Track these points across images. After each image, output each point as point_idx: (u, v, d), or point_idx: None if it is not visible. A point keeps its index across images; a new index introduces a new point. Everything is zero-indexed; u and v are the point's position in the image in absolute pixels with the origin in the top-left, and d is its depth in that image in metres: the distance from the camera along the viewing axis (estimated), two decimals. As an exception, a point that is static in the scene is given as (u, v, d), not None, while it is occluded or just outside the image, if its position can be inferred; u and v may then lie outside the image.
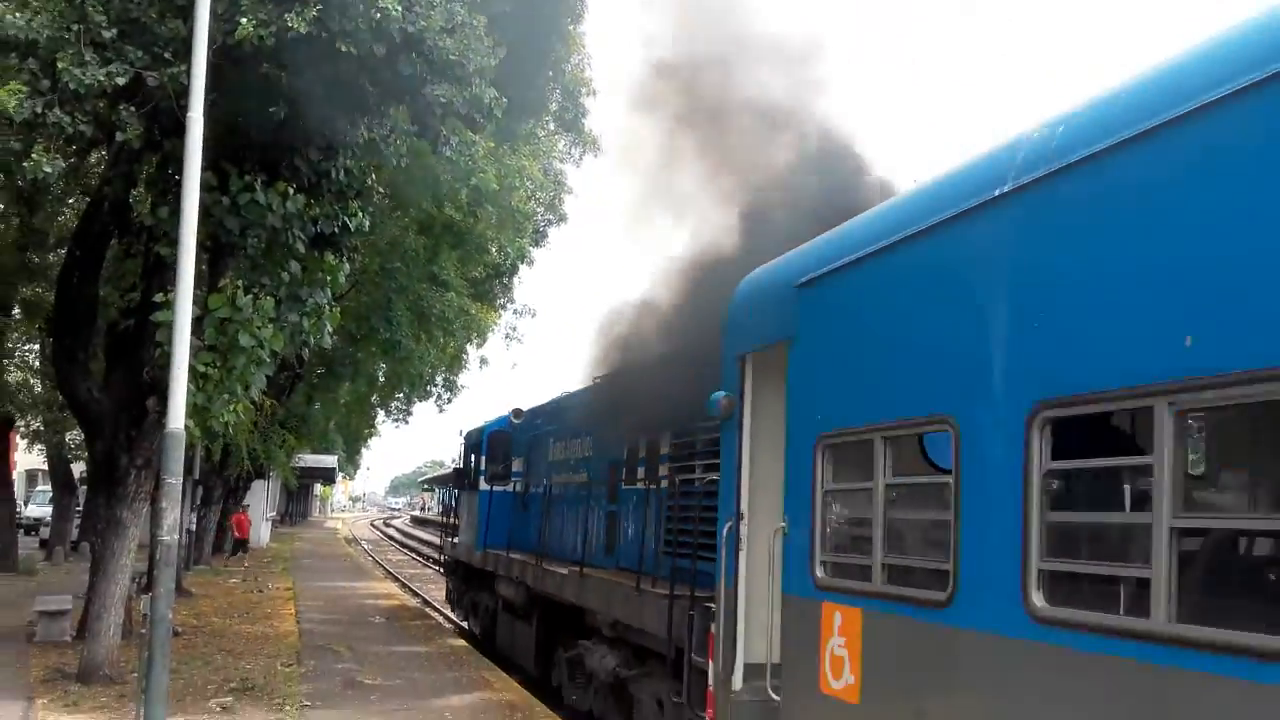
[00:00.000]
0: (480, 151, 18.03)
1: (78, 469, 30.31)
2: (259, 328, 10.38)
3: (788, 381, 6.09)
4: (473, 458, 17.73)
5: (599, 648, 9.89)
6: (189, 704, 10.26)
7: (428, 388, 39.17)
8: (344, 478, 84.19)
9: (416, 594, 25.72)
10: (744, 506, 6.44)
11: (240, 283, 10.51)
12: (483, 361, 36.96)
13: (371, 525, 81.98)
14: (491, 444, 16.82)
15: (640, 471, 10.71)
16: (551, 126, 25.64)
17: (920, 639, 4.75)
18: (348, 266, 11.47)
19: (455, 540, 18.80)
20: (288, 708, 10.22)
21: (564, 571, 10.94)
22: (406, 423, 46.61)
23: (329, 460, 56.30)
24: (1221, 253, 3.36)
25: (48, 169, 8.92)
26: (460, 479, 19.69)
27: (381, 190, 12.44)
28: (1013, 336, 4.31)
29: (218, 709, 10.11)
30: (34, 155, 8.92)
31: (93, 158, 15.20)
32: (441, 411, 38.08)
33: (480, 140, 14.67)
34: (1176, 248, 3.55)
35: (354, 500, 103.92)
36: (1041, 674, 3.96)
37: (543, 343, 51.11)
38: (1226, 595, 3.67)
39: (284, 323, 10.81)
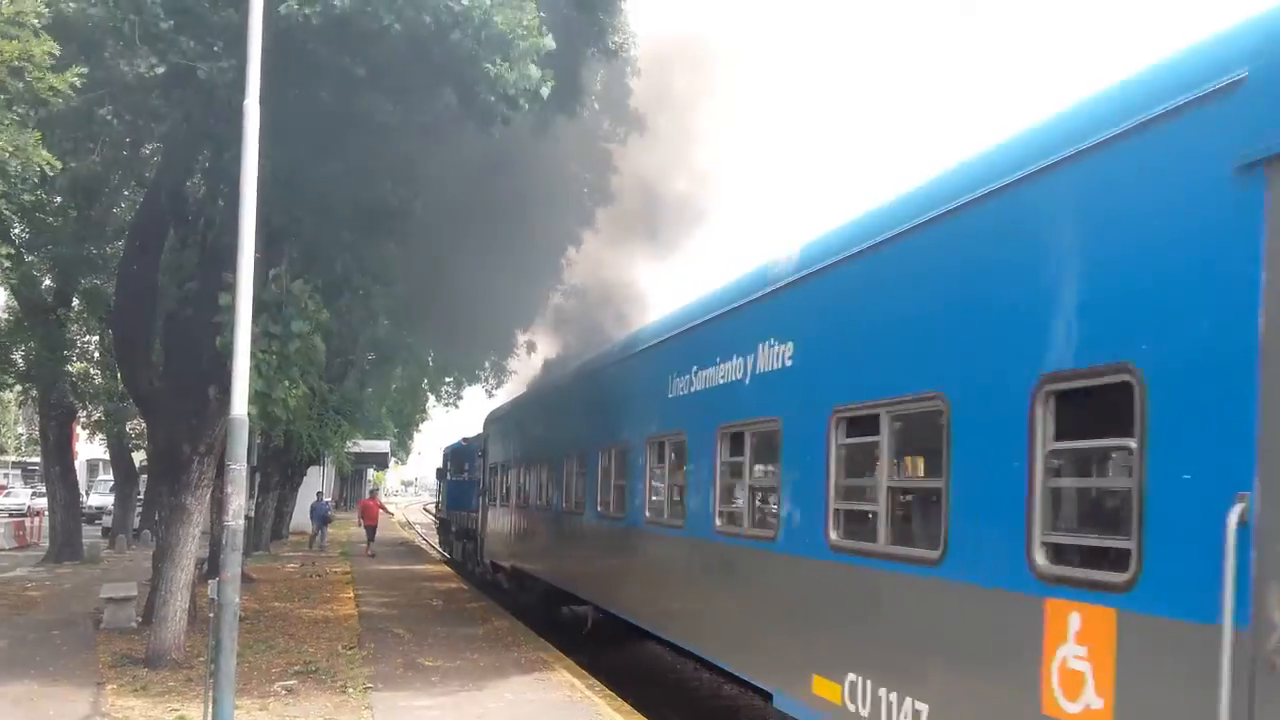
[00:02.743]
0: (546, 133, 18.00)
1: (138, 458, 30.86)
2: (314, 312, 10.45)
3: None
4: (446, 461, 33.87)
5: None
6: (254, 687, 10.39)
7: (476, 372, 39.42)
8: (396, 462, 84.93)
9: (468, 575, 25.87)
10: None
11: (287, 270, 10.56)
12: (530, 346, 37.08)
13: (424, 509, 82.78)
14: (452, 454, 32.76)
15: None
16: (596, 107, 25.54)
17: None
18: (396, 250, 11.45)
19: (439, 506, 36.85)
20: (351, 690, 10.31)
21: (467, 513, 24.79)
22: (457, 407, 46.83)
23: (382, 445, 56.74)
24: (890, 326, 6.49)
25: (94, 161, 8.97)
26: (440, 474, 36.57)
27: (431, 174, 12.37)
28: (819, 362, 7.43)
29: (282, 692, 10.22)
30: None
31: (148, 148, 15.36)
32: (490, 395, 38.15)
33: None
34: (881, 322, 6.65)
35: (406, 484, 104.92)
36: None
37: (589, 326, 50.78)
38: (912, 526, 6.42)
39: (337, 308, 10.86)
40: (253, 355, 9.89)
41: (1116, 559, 4.47)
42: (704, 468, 9.11)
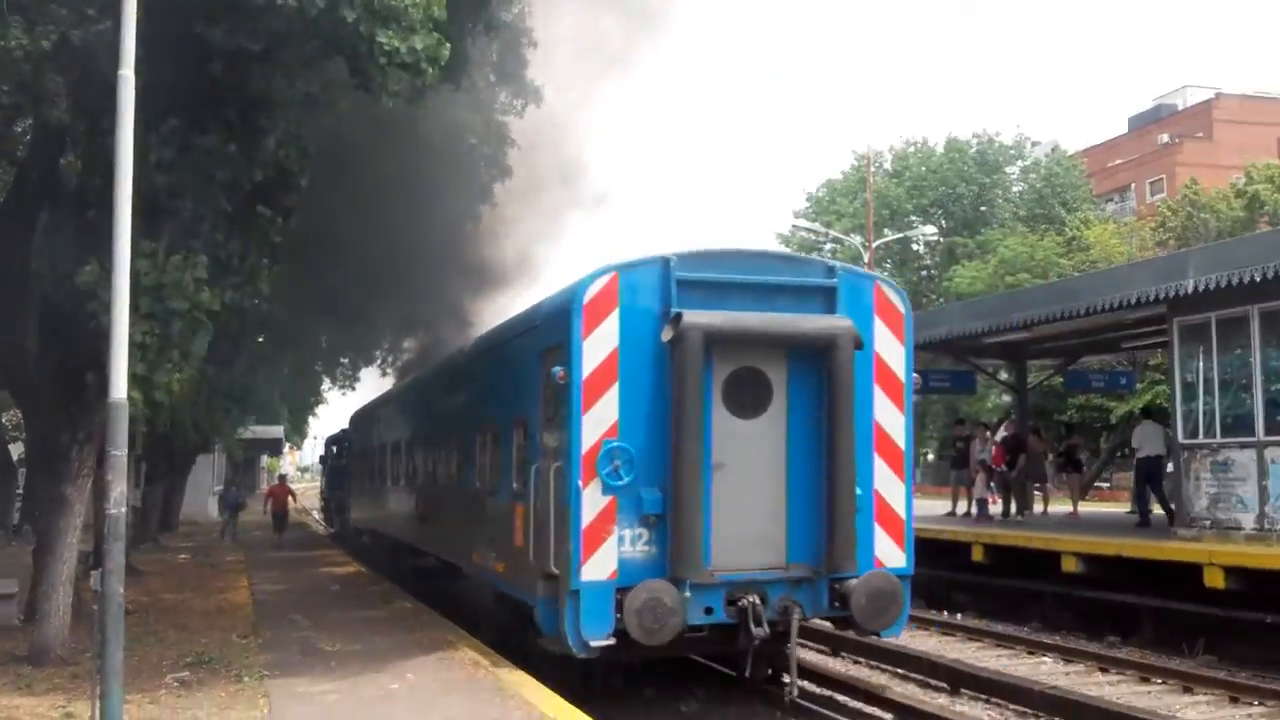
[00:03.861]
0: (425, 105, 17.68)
1: (16, 450, 29.58)
2: (193, 292, 10.08)
3: None
4: (328, 449, 41.07)
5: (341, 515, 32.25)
6: (145, 680, 10.07)
7: (373, 352, 38.73)
8: (291, 448, 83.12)
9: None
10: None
11: (162, 247, 10.16)
12: (427, 326, 36.59)
13: (321, 495, 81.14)
14: (333, 442, 39.25)
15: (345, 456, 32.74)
16: (493, 79, 25.16)
17: None
18: (281, 224, 11.13)
19: (322, 488, 43.93)
20: (247, 679, 10.07)
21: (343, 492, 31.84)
22: (353, 388, 45.97)
23: (275, 431, 55.49)
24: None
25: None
26: (324, 460, 45.08)
27: (317, 147, 12.05)
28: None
29: (175, 684, 9.94)
30: None
31: (19, 126, 14.64)
32: (385, 375, 37.58)
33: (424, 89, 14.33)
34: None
35: (302, 470, 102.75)
36: None
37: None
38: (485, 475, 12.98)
39: (219, 285, 10.51)
40: (133, 338, 9.54)
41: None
42: (459, 453, 14.42)
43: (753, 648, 9.25)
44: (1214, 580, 12.67)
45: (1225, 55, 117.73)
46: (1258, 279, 12.61)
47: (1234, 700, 11.01)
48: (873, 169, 49.60)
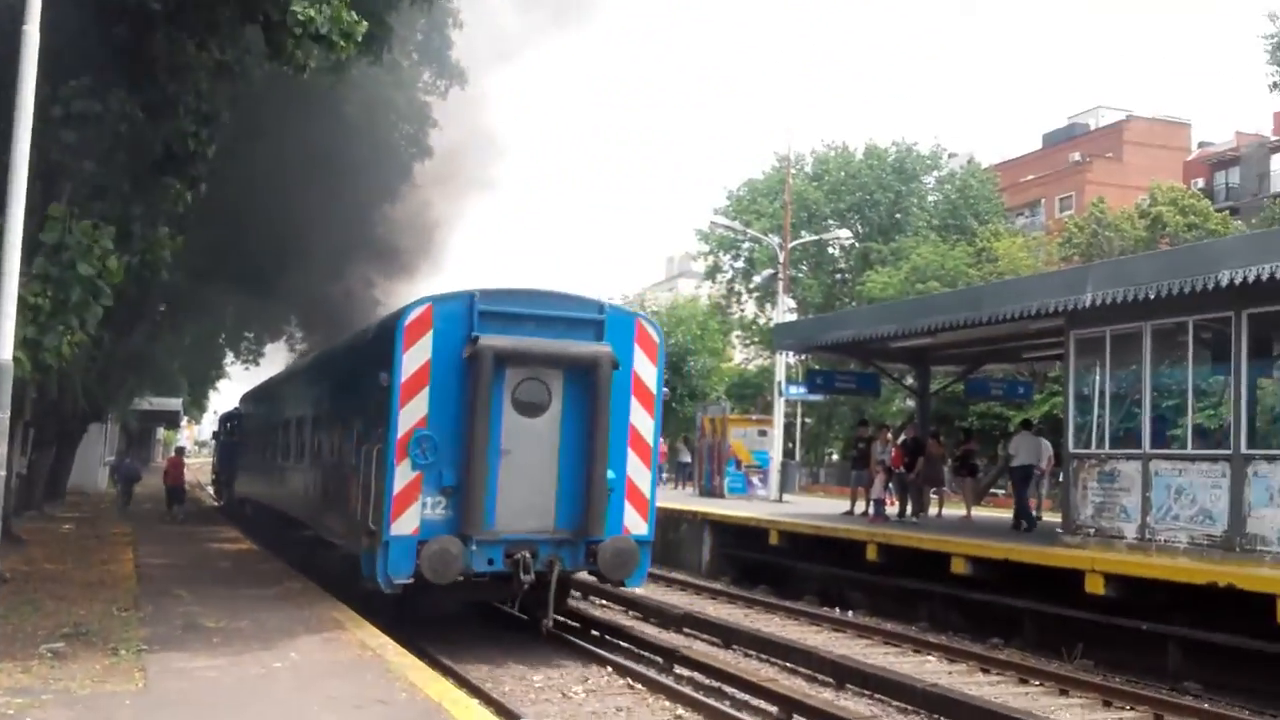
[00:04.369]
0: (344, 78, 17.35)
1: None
2: (98, 257, 9.77)
3: None
4: (221, 425, 41.06)
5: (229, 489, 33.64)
6: (18, 650, 9.75)
7: (281, 327, 37.93)
8: (189, 421, 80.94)
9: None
10: None
11: (75, 208, 9.85)
12: (346, 295, 35.94)
13: (213, 469, 79.14)
14: (225, 419, 39.40)
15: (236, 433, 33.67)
16: (416, 57, 24.76)
17: None
18: (189, 193, 10.83)
19: (214, 463, 44.35)
20: (123, 652, 9.79)
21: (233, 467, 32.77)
22: (257, 364, 44.98)
23: (173, 403, 54.01)
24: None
25: None
26: (216, 435, 45.66)
27: (230, 117, 11.75)
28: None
29: (48, 655, 9.61)
30: None
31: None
32: (293, 350, 36.95)
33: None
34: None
35: (200, 445, 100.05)
36: None
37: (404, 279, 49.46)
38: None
39: (123, 251, 10.20)
40: (24, 300, 9.22)
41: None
42: (319, 436, 17.16)
43: (523, 591, 12.23)
44: (1095, 587, 13.10)
45: (1138, 77, 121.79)
46: (1152, 296, 13.06)
47: (1107, 704, 11.39)
48: (793, 171, 50.14)
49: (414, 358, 12.06)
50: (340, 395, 15.77)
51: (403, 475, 11.84)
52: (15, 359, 8.25)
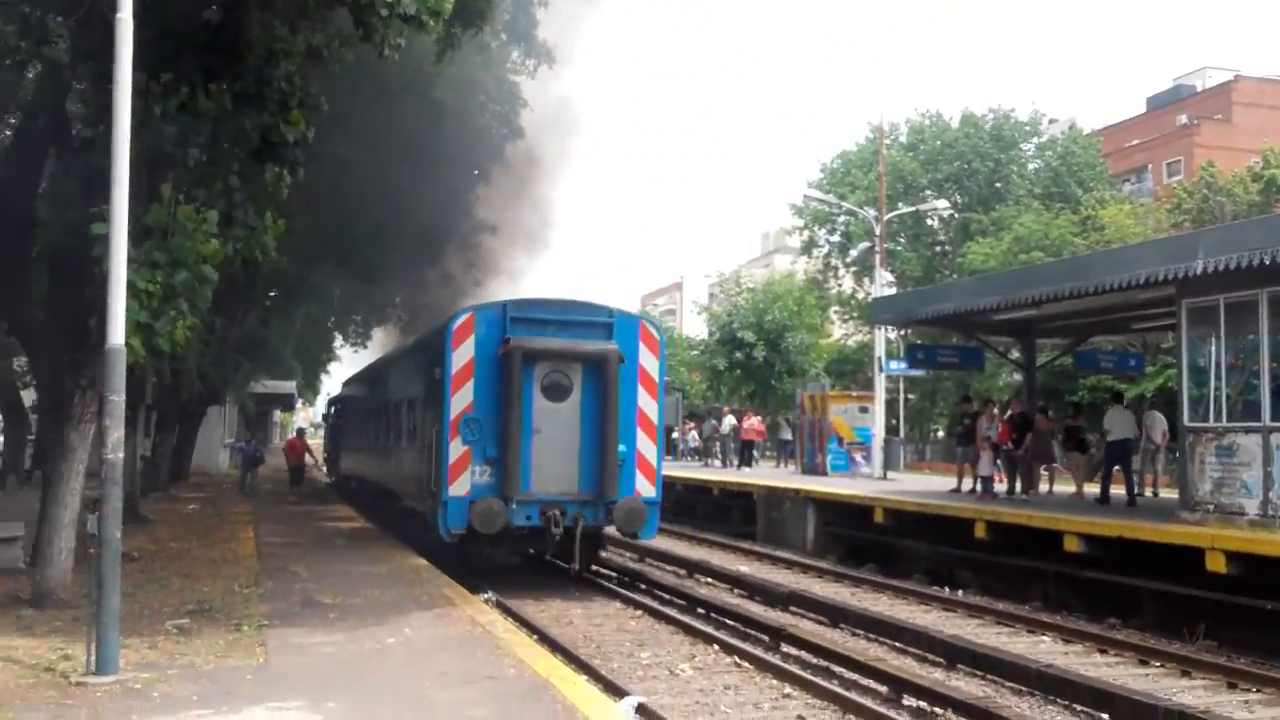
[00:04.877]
0: (426, 54, 17.46)
1: (29, 397, 29.73)
2: (202, 242, 10.02)
3: None
4: (329, 408, 44.65)
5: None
6: (145, 626, 10.13)
7: (386, 310, 38.71)
8: (304, 404, 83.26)
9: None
10: None
11: (180, 195, 10.13)
12: (448, 278, 36.53)
13: (324, 449, 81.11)
14: (331, 402, 43.98)
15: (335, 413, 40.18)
16: (504, 37, 24.89)
17: None
18: (289, 179, 11.05)
19: (324, 444, 43.60)
20: (245, 627, 10.12)
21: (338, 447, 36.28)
22: (365, 346, 46.10)
23: (287, 386, 55.63)
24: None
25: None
26: (325, 418, 48.34)
27: (324, 103, 11.92)
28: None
29: (174, 630, 9.98)
30: None
31: (29, 73, 14.58)
32: (401, 333, 37.70)
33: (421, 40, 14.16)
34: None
35: (315, 426, 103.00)
36: None
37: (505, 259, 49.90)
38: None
39: (227, 236, 10.47)
40: (136, 285, 9.52)
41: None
42: (400, 419, 19.99)
43: (555, 541, 15.07)
44: (1215, 565, 12.61)
45: (1246, 37, 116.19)
46: (1267, 262, 12.41)
47: (1232, 686, 10.96)
48: (888, 141, 49.16)
49: (460, 355, 14.98)
50: (409, 384, 19.06)
51: (455, 449, 14.81)
52: (128, 345, 8.53)
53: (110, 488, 7.80)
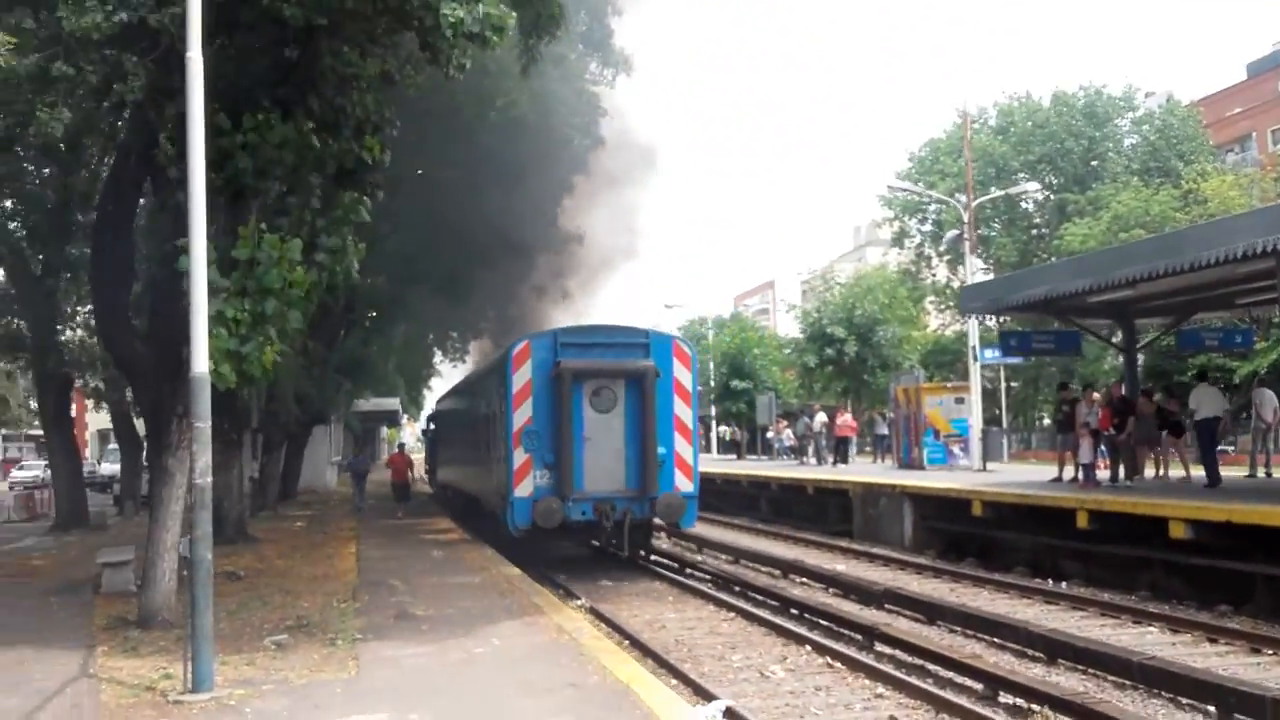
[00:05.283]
0: (505, 71, 17.64)
1: (141, 425, 30.99)
2: (288, 269, 10.32)
3: None
4: (428, 424, 46.57)
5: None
6: (245, 643, 10.48)
7: (480, 325, 39.32)
8: (409, 419, 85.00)
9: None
10: None
11: (263, 225, 10.46)
12: (538, 291, 36.95)
13: (426, 462, 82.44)
14: (430, 418, 45.76)
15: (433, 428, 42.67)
16: (581, 48, 25.09)
17: None
18: (368, 202, 11.31)
19: (426, 457, 47.74)
20: (339, 642, 10.39)
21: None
22: (464, 360, 46.91)
23: (391, 402, 56.88)
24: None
25: (54, 125, 8.85)
26: (425, 433, 50.83)
27: (398, 123, 12.18)
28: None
29: (272, 647, 10.29)
30: (39, 114, 8.85)
31: (105, 103, 15.18)
32: (497, 346, 38.18)
33: (498, 57, 14.30)
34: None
35: (419, 440, 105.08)
36: None
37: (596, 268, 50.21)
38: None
39: (311, 262, 10.76)
40: (225, 314, 9.86)
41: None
42: (479, 432, 21.94)
43: (607, 532, 17.45)
44: (1330, 547, 12.05)
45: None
46: (1376, 228, 11.81)
47: (1351, 671, 10.47)
48: (977, 125, 48.06)
49: (520, 377, 17.21)
50: (483, 402, 21.60)
51: (519, 457, 17.06)
52: (219, 372, 8.84)
53: (200, 511, 8.08)
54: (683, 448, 17.69)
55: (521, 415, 17.07)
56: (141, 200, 15.50)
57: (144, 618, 11.36)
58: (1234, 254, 13.61)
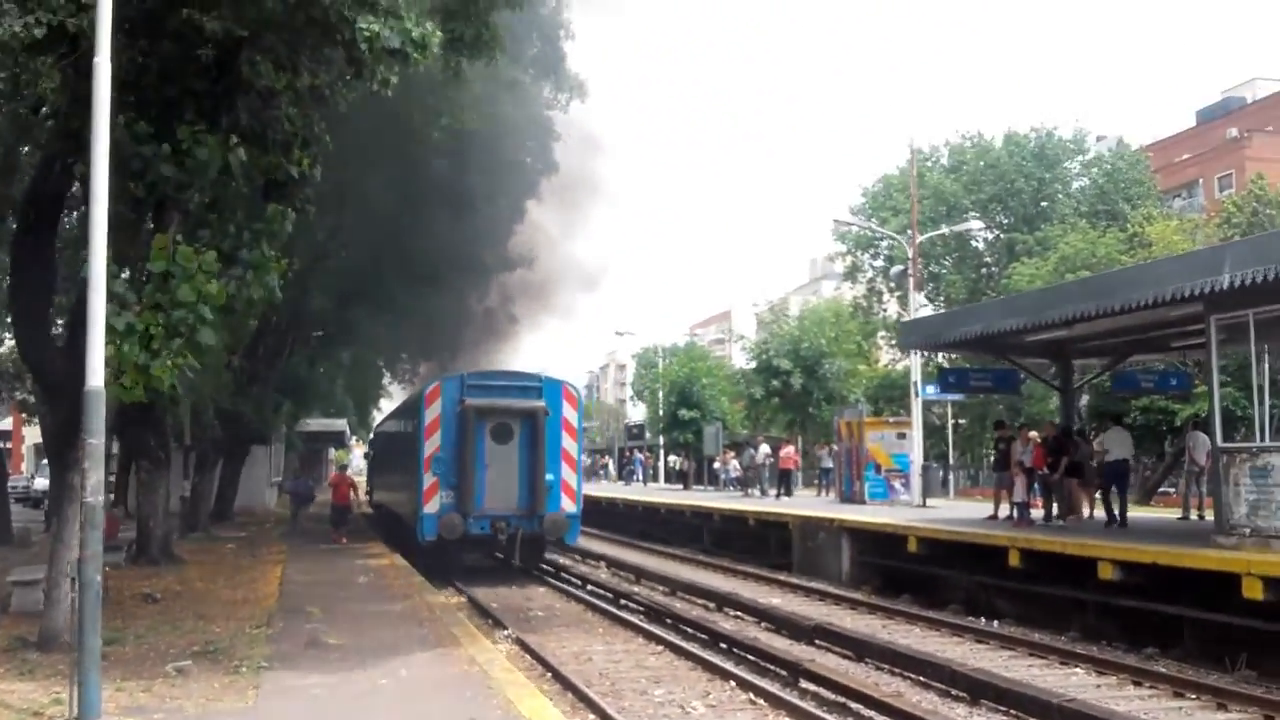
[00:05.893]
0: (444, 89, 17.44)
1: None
2: (203, 284, 10.05)
3: None
4: (370, 446, 47.15)
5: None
6: (146, 668, 10.11)
7: (428, 348, 38.95)
8: (357, 440, 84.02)
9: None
10: None
11: (179, 236, 10.19)
12: (486, 313, 36.69)
13: (367, 483, 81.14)
14: (369, 442, 49.33)
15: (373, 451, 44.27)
16: (532, 72, 24.98)
17: None
18: (293, 215, 11.07)
19: (367, 476, 46.40)
20: (244, 669, 10.05)
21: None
22: (413, 383, 46.51)
23: (338, 424, 56.11)
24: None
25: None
26: (367, 455, 49.29)
27: (329, 139, 11.96)
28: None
29: (173, 673, 9.93)
30: None
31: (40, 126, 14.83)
32: (443, 370, 37.83)
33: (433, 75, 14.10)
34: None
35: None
36: None
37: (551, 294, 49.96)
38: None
39: (228, 277, 10.50)
40: (135, 328, 9.57)
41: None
42: (401, 456, 24.64)
43: (503, 544, 20.90)
44: (1252, 591, 12.06)
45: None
46: (1296, 275, 11.90)
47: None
48: (929, 164, 48.59)
49: (432, 412, 20.57)
50: (405, 433, 24.73)
51: (428, 479, 20.30)
52: (122, 385, 8.54)
53: (90, 531, 7.76)
54: (568, 475, 21.20)
55: (432, 444, 20.34)
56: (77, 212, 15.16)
57: (44, 639, 10.94)
58: (1162, 298, 13.68)
